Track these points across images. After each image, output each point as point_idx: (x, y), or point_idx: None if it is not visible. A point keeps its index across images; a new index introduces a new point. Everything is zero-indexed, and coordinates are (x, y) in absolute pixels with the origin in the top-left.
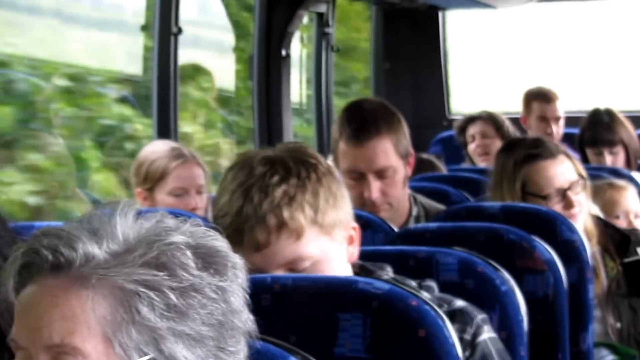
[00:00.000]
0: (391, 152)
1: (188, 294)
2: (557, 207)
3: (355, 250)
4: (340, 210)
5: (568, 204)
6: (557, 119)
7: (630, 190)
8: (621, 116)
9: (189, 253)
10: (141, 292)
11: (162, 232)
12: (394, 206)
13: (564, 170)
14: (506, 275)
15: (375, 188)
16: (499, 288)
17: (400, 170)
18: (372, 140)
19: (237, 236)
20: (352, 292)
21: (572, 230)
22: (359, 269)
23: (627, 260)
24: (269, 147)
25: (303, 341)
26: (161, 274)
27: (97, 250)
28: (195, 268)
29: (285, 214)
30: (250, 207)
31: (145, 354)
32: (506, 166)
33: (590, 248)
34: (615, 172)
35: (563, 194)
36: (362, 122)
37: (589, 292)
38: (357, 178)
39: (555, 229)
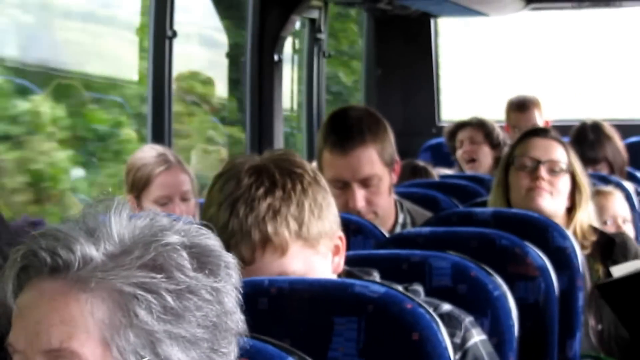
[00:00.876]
0: (376, 161)
1: (184, 296)
2: (525, 176)
3: (340, 260)
4: (326, 220)
5: (535, 176)
6: (532, 127)
7: (617, 195)
8: (609, 130)
9: (184, 254)
10: (139, 295)
11: (158, 232)
12: (379, 215)
13: (550, 148)
14: (499, 280)
15: (360, 197)
16: (492, 293)
17: (386, 178)
18: (357, 149)
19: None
20: (349, 295)
21: (564, 236)
22: (345, 275)
23: (601, 282)
24: (257, 155)
25: (297, 345)
26: (159, 276)
27: (95, 252)
28: (190, 269)
29: (270, 228)
30: (236, 222)
31: (142, 357)
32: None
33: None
34: (604, 179)
35: (536, 167)
36: (347, 131)
37: (578, 299)
38: (342, 187)
39: (547, 236)
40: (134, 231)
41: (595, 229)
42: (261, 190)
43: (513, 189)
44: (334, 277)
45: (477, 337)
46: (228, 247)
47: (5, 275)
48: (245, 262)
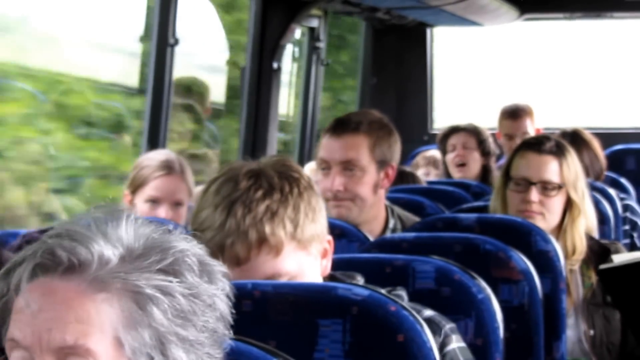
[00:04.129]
0: (363, 150)
1: (193, 300)
2: (516, 197)
3: (328, 263)
4: (318, 223)
5: (526, 199)
6: (523, 135)
7: None
8: (587, 137)
9: (195, 259)
10: (155, 296)
11: (171, 239)
12: (357, 205)
13: (544, 166)
14: (483, 283)
15: (338, 181)
16: (475, 296)
17: (371, 173)
18: (347, 134)
19: (218, 251)
20: (332, 298)
21: (547, 240)
22: (329, 279)
23: (602, 267)
24: (254, 160)
25: (283, 347)
26: (174, 280)
27: (112, 254)
28: (196, 275)
29: (267, 229)
30: (233, 222)
31: (152, 358)
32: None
33: (567, 261)
34: (590, 185)
35: (528, 186)
36: (346, 119)
37: (562, 302)
38: (326, 168)
39: (530, 240)
40: (146, 236)
41: (590, 238)
42: (260, 193)
43: (508, 204)
44: (320, 279)
45: (456, 343)
46: (223, 247)
47: (17, 271)
48: (240, 262)
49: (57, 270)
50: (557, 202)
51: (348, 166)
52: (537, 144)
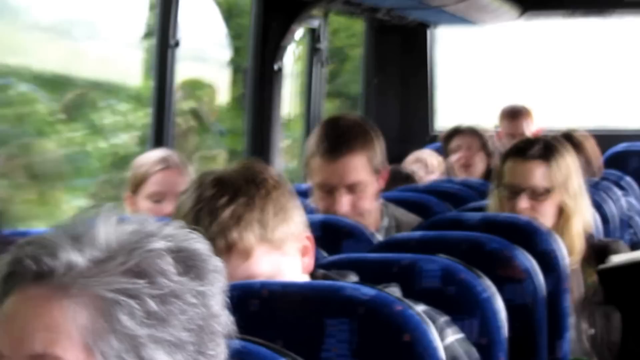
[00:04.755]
0: (363, 168)
1: (168, 300)
2: (508, 203)
3: (310, 260)
4: (291, 222)
5: (513, 206)
6: (521, 136)
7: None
8: (580, 139)
9: (169, 259)
10: (121, 300)
11: (143, 238)
12: (364, 216)
13: (531, 173)
14: (487, 282)
15: (345, 202)
16: (480, 295)
17: (372, 184)
18: (345, 156)
19: None
20: (340, 297)
21: (551, 240)
22: (322, 278)
23: (601, 267)
24: (222, 168)
25: (290, 346)
26: (141, 281)
27: (80, 258)
28: (175, 274)
29: (234, 234)
30: (201, 231)
31: None
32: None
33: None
34: (595, 186)
35: (517, 193)
36: (337, 138)
37: (565, 301)
38: (328, 191)
39: (534, 239)
40: (120, 236)
41: (591, 236)
42: (224, 199)
43: (503, 208)
44: (305, 277)
45: (453, 336)
46: None
47: None
48: None
49: (27, 278)
50: (548, 206)
51: (352, 187)
52: (523, 150)
